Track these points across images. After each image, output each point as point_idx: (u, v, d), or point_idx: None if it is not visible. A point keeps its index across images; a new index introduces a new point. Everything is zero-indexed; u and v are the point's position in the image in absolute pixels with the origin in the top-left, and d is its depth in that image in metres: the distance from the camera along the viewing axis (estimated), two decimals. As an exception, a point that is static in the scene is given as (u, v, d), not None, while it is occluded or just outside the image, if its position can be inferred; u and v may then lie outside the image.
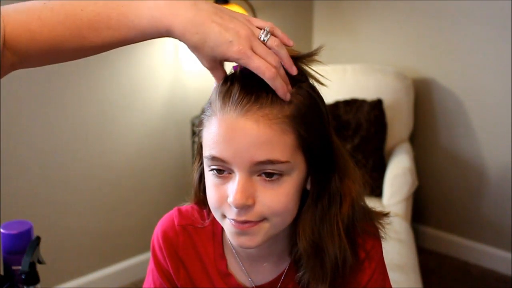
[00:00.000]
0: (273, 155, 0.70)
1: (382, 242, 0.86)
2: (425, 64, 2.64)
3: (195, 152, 0.83)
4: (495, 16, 2.36)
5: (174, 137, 2.54)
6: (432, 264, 2.61)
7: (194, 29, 0.67)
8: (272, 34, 0.71)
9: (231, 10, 0.71)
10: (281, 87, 0.69)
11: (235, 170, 0.71)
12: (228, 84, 0.73)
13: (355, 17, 2.85)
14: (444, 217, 2.73)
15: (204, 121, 0.75)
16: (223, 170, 0.72)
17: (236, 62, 0.69)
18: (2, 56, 0.66)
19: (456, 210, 2.67)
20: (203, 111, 0.76)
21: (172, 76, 2.48)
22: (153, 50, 2.37)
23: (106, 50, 0.71)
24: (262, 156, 0.69)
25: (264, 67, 0.67)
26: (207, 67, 0.72)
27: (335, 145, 0.78)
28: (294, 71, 0.72)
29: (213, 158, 0.72)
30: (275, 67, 0.69)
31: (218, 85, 0.74)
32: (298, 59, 0.75)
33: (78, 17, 0.67)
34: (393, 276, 1.73)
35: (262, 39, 0.70)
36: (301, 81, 0.74)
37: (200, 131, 0.76)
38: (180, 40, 0.69)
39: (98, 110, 2.26)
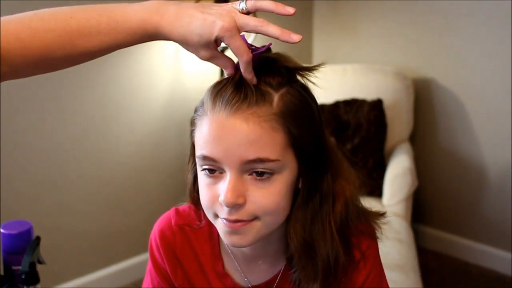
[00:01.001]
0: (263, 153, 0.70)
1: (381, 242, 0.86)
2: (425, 64, 2.64)
3: (189, 152, 0.84)
4: (495, 16, 2.36)
5: (174, 137, 2.54)
6: (432, 264, 2.60)
7: (179, 22, 0.69)
8: (260, 7, 0.72)
9: (215, 4, 0.74)
10: (250, 72, 0.71)
11: (226, 169, 0.71)
12: (222, 85, 0.73)
13: (355, 17, 2.85)
14: (444, 217, 2.73)
15: (196, 121, 0.76)
16: (214, 170, 0.73)
17: (222, 41, 0.71)
18: None
19: (456, 210, 2.67)
20: (195, 111, 0.77)
21: (172, 76, 2.48)
22: (153, 50, 2.37)
23: (97, 57, 0.72)
24: (252, 154, 0.70)
25: (244, 49, 0.70)
26: (206, 58, 0.73)
27: (328, 144, 0.78)
28: (289, 10, 0.72)
29: (204, 158, 0.72)
30: (262, 25, 0.70)
31: (212, 86, 0.75)
32: (297, 69, 0.76)
33: (68, 24, 0.68)
34: (393, 276, 1.74)
35: (241, 8, 0.71)
36: (293, 81, 0.75)
37: (192, 131, 0.77)
38: (170, 39, 0.71)
39: (98, 110, 2.26)
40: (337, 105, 2.43)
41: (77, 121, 2.21)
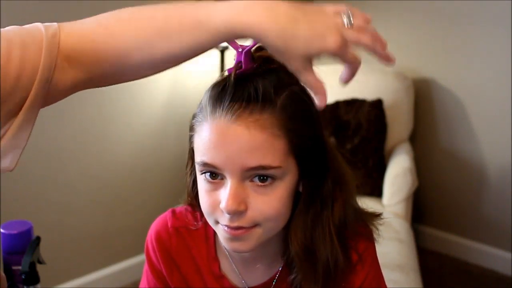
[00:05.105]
0: (264, 161, 0.69)
1: (381, 242, 0.85)
2: (425, 64, 2.64)
3: (188, 156, 0.83)
4: (495, 16, 2.36)
5: (174, 137, 2.54)
6: (432, 264, 2.60)
7: (279, 24, 0.61)
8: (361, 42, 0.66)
9: (304, 5, 0.66)
10: (386, 56, 0.66)
11: (227, 176, 0.71)
12: (220, 88, 0.72)
13: (355, 17, 2.85)
14: (444, 217, 2.73)
15: (195, 126, 0.74)
16: (215, 175, 0.72)
17: (332, 56, 0.63)
18: (59, 69, 0.61)
19: (456, 210, 2.67)
20: (194, 117, 0.75)
21: (172, 76, 2.48)
22: (153, 50, 2.37)
23: (177, 62, 0.66)
24: (253, 162, 0.69)
25: (356, 60, 0.65)
26: (297, 69, 0.64)
27: (327, 147, 0.78)
28: (383, 48, 0.66)
29: (205, 164, 0.72)
30: (374, 41, 0.65)
31: (209, 89, 0.73)
32: None
33: (148, 25, 0.63)
34: (393, 276, 1.74)
35: (347, 24, 0.64)
36: (292, 84, 0.73)
37: (191, 136, 0.76)
38: (261, 39, 0.62)
39: (98, 110, 2.26)
40: (337, 105, 2.43)
41: (76, 121, 2.21)
